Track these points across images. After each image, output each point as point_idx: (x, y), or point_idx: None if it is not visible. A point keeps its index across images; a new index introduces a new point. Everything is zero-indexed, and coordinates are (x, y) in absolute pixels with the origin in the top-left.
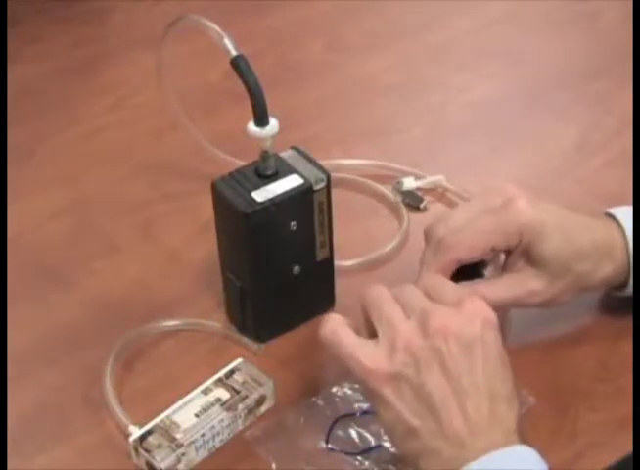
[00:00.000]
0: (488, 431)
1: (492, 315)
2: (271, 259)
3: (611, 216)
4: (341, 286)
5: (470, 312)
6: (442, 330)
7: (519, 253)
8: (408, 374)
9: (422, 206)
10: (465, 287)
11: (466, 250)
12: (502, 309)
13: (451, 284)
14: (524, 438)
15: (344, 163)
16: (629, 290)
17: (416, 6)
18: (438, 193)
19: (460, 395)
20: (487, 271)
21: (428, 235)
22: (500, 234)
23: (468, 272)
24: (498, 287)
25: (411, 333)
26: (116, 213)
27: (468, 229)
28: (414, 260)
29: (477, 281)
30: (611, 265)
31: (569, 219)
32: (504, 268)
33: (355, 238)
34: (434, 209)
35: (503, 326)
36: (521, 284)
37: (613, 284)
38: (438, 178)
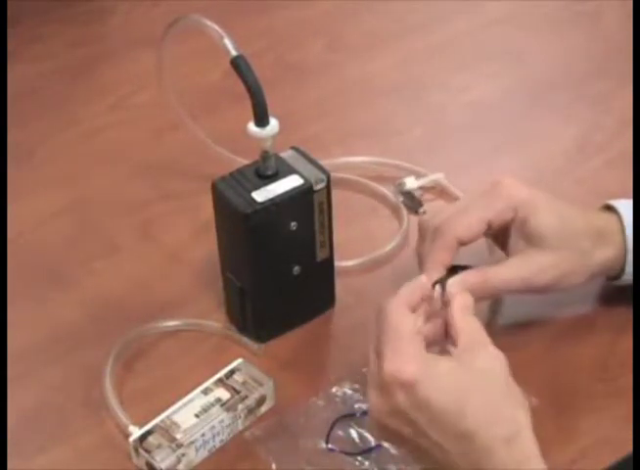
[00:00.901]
0: None
1: (407, 374)
2: (271, 259)
3: (609, 208)
4: (341, 286)
5: (387, 383)
6: (377, 422)
7: (517, 234)
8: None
9: (420, 211)
10: (470, 274)
11: (464, 228)
12: (511, 292)
13: (381, 335)
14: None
15: (345, 160)
16: (625, 278)
17: (416, 6)
18: (438, 191)
19: (424, 458)
20: None
21: (423, 227)
22: (492, 211)
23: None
24: (506, 268)
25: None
26: (116, 213)
27: (462, 213)
28: (414, 261)
29: (483, 266)
30: (612, 248)
31: (562, 204)
32: (508, 254)
33: (355, 238)
34: (434, 205)
35: (495, 307)
36: (527, 263)
37: (614, 269)
38: (438, 176)
